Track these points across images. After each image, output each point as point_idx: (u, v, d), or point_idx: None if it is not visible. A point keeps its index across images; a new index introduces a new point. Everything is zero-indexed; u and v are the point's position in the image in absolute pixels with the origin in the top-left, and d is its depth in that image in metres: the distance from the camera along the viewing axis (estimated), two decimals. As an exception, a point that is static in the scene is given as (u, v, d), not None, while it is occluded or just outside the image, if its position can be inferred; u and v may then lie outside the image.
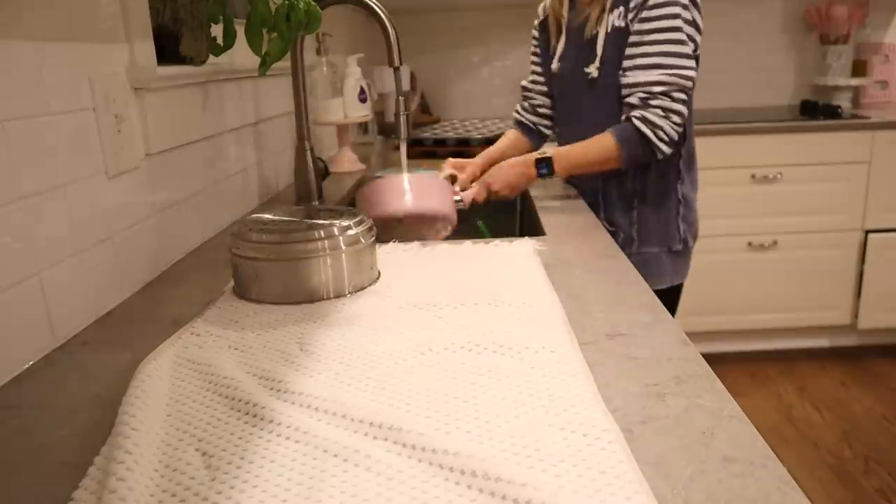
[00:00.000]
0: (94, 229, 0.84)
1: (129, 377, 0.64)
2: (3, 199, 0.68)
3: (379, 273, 0.94)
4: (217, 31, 1.09)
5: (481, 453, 0.50)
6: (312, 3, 1.02)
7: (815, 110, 2.73)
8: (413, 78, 2.86)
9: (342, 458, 0.51)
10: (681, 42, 1.25)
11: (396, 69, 1.19)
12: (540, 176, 1.31)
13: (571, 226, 1.19)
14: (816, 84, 2.95)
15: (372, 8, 1.17)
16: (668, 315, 0.77)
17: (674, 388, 0.60)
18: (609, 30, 1.32)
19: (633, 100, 1.28)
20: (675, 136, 1.27)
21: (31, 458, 0.55)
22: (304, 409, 0.59)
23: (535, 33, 1.54)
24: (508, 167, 1.33)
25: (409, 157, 1.33)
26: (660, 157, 1.29)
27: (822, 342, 2.76)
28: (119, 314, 0.85)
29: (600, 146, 1.30)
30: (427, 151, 2.13)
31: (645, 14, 1.27)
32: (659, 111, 1.26)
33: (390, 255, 1.02)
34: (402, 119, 1.22)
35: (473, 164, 1.45)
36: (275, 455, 0.52)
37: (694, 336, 0.77)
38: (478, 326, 0.74)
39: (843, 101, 2.81)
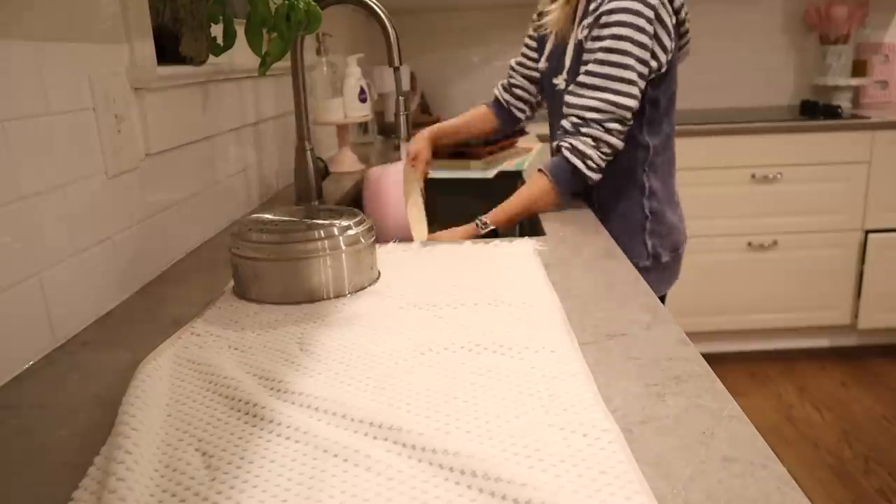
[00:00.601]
0: (94, 229, 0.84)
1: (129, 377, 0.64)
2: (3, 199, 0.68)
3: (379, 273, 0.94)
4: (217, 31, 1.09)
5: (481, 453, 0.50)
6: (312, 3, 1.02)
7: (815, 110, 2.73)
8: (413, 78, 2.86)
9: (342, 458, 0.51)
10: (624, 66, 1.19)
11: (396, 69, 1.20)
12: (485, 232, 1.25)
13: (571, 226, 1.19)
14: (816, 84, 2.95)
15: (372, 8, 1.17)
16: (668, 315, 0.77)
17: (674, 388, 0.60)
18: (576, 41, 1.28)
19: (566, 124, 1.24)
20: (603, 164, 1.24)
21: (31, 458, 0.55)
22: (304, 409, 0.59)
23: (535, 17, 1.47)
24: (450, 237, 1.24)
25: (409, 157, 1.33)
26: (590, 184, 1.26)
27: (822, 342, 2.76)
28: (119, 314, 0.85)
29: (538, 191, 1.26)
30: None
31: (596, 32, 1.22)
32: (589, 140, 1.22)
33: (390, 255, 1.02)
34: (402, 119, 1.22)
35: (422, 150, 1.47)
36: (275, 455, 0.52)
37: (694, 336, 0.77)
38: (478, 326, 0.74)
39: (843, 101, 2.81)
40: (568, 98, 1.25)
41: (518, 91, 1.54)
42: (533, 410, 0.56)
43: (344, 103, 1.83)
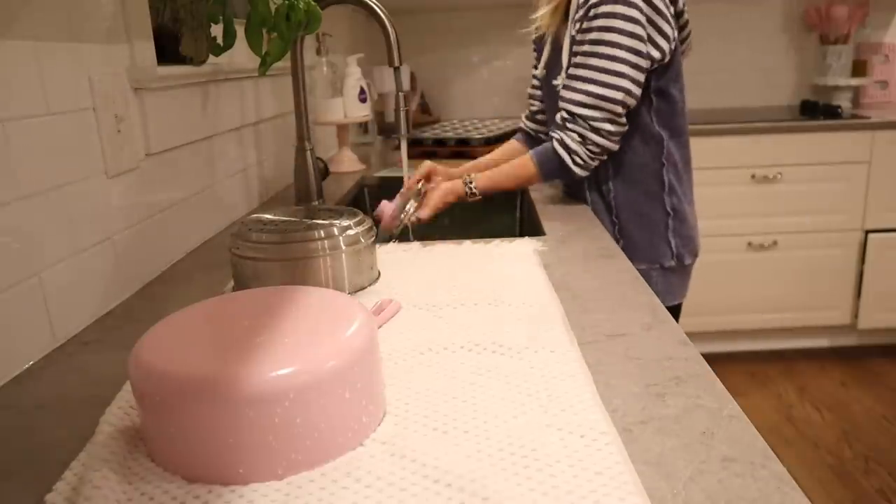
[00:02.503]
0: (94, 229, 0.84)
1: (129, 377, 0.64)
2: (3, 199, 0.68)
3: (379, 273, 0.94)
4: (217, 31, 1.09)
5: (475, 472, 0.50)
6: (312, 3, 1.02)
7: (815, 110, 2.73)
8: (413, 78, 2.86)
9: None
10: (612, 58, 1.16)
11: (396, 69, 1.20)
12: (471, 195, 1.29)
13: (571, 226, 1.19)
14: (816, 84, 2.95)
15: (372, 8, 1.17)
16: (668, 315, 0.77)
17: (674, 388, 0.60)
18: (570, 38, 1.24)
19: (557, 118, 1.24)
20: (593, 162, 1.24)
21: (31, 458, 0.55)
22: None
23: (535, 35, 1.45)
24: (439, 192, 1.28)
25: (409, 157, 1.33)
26: (576, 178, 1.28)
27: (822, 342, 2.76)
28: (119, 314, 0.85)
29: (521, 166, 1.29)
30: (427, 151, 2.13)
31: (586, 24, 1.19)
32: (576, 136, 1.22)
33: (390, 255, 1.02)
34: (402, 115, 1.22)
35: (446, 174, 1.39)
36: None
37: (694, 336, 0.77)
38: (478, 326, 0.74)
39: (843, 101, 2.81)
40: (561, 92, 1.25)
41: (539, 116, 1.50)
42: (531, 411, 0.56)
43: (344, 103, 1.83)
